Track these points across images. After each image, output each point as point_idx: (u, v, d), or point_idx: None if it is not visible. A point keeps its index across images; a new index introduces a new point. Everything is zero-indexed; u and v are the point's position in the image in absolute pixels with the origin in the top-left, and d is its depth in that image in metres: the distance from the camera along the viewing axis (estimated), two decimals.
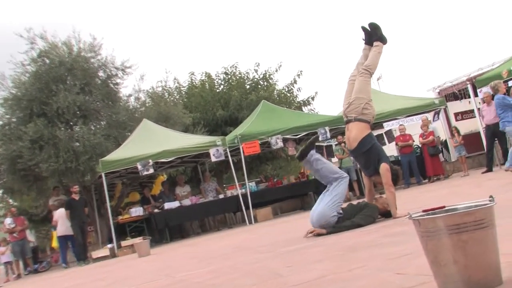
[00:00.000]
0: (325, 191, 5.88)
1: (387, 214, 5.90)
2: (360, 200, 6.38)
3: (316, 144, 15.18)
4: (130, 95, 16.39)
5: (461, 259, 2.03)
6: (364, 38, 6.29)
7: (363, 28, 6.26)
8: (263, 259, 4.67)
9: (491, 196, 2.14)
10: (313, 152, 5.83)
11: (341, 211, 5.70)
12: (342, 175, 5.80)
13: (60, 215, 13.47)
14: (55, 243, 15.07)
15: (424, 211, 2.23)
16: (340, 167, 12.80)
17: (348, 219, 5.67)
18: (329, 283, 2.83)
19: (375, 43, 6.18)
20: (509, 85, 12.28)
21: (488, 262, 2.05)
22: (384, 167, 5.82)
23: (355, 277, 2.85)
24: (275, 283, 3.20)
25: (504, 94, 10.29)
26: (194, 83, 22.08)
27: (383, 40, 6.21)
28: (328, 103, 70.78)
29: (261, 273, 3.74)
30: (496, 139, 12.31)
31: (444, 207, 2.26)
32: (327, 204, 5.66)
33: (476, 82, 13.57)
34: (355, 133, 5.94)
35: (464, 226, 2.02)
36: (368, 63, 6.11)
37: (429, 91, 18.97)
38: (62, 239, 13.69)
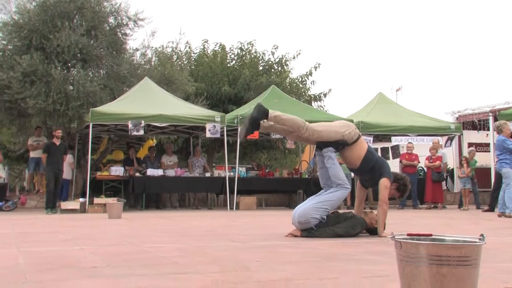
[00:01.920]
0: (317, 194, 5.88)
1: (373, 231, 5.88)
2: (348, 211, 6.37)
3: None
4: (136, 49, 16.29)
5: None
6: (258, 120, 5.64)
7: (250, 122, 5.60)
8: (234, 249, 4.68)
9: (481, 235, 2.12)
10: (331, 148, 5.83)
11: (325, 217, 5.67)
12: (345, 185, 5.76)
13: None
14: None
15: (409, 234, 2.22)
16: None
17: (329, 227, 5.66)
18: (293, 287, 2.82)
19: (270, 116, 5.62)
20: None
21: None
22: (383, 183, 5.77)
23: (323, 287, 2.84)
24: (238, 275, 3.19)
25: (510, 136, 10.28)
26: (206, 52, 22.00)
27: (261, 115, 5.58)
28: (340, 103, 70.74)
29: (227, 263, 3.74)
30: None
31: (431, 235, 2.25)
32: (314, 204, 5.66)
33: (499, 116, 13.49)
34: (356, 153, 5.85)
35: (446, 259, 2.01)
36: (294, 128, 5.72)
37: (447, 114, 19.00)
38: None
